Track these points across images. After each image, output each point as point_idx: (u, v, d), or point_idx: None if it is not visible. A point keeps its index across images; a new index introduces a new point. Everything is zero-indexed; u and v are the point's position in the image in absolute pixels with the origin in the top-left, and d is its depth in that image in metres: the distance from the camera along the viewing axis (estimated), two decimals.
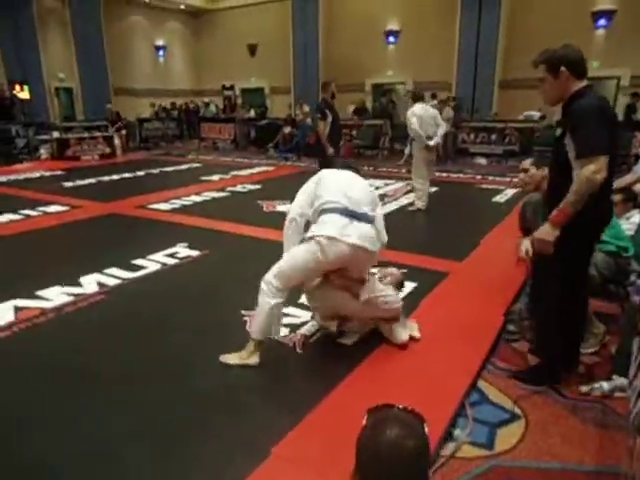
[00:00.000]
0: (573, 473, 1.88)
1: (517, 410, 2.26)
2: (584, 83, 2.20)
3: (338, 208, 2.45)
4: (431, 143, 6.02)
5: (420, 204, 6.26)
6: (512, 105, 12.61)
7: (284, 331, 2.97)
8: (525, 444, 2.04)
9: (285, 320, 3.08)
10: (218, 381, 2.49)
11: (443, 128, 6.25)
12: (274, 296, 2.50)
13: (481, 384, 2.47)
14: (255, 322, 2.59)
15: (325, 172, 2.75)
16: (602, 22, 12.03)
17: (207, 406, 2.29)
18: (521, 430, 2.13)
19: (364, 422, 1.00)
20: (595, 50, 11.62)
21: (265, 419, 2.18)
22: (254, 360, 2.57)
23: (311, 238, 2.44)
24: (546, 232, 2.17)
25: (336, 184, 2.58)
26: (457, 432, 2.12)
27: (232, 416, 2.21)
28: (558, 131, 2.24)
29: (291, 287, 2.59)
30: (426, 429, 1.00)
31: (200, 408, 2.28)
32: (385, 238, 2.66)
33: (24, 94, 11.74)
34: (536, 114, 10.77)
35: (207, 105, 16.49)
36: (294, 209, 2.66)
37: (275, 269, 2.53)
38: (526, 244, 3.07)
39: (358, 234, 2.40)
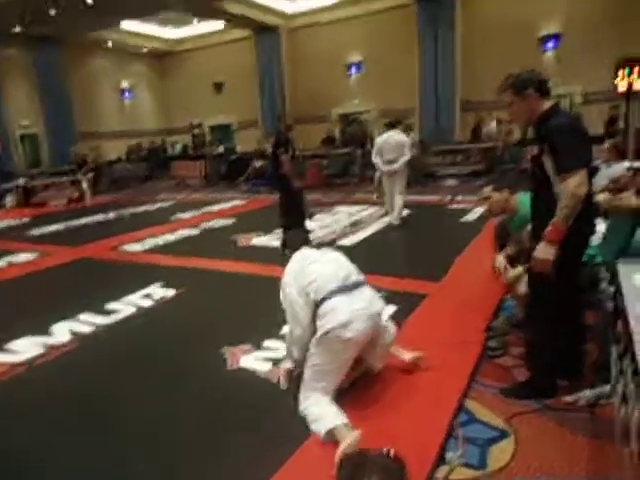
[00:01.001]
0: None
1: (506, 427, 2.25)
2: (551, 102, 2.30)
3: (335, 290, 2.35)
4: (384, 168, 6.52)
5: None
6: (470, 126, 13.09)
7: (267, 365, 2.92)
8: (516, 461, 2.02)
9: (267, 354, 3.04)
10: (203, 421, 2.42)
11: (405, 157, 6.54)
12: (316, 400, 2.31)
13: (468, 403, 2.46)
14: (318, 427, 2.21)
15: (298, 261, 2.59)
16: (550, 45, 12.71)
17: (191, 448, 2.20)
18: (512, 447, 2.11)
19: (338, 471, 0.91)
20: (546, 71, 12.20)
21: (249, 460, 2.11)
22: (353, 435, 2.01)
23: (326, 334, 2.26)
24: (545, 251, 2.19)
25: (322, 269, 2.46)
26: (449, 455, 2.09)
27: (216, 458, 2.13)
28: (534, 149, 2.30)
29: (332, 388, 2.36)
30: (406, 473, 0.94)
31: (184, 450, 2.19)
32: None
33: None
34: (493, 125, 11.13)
35: (173, 145, 16.56)
36: (301, 323, 2.44)
37: (304, 390, 2.37)
38: (500, 260, 3.13)
39: (367, 301, 2.38)
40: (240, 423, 2.41)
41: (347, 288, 2.38)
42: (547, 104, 2.30)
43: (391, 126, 6.58)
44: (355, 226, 7.03)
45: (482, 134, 11.78)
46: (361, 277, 2.51)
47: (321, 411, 2.23)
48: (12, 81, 15.20)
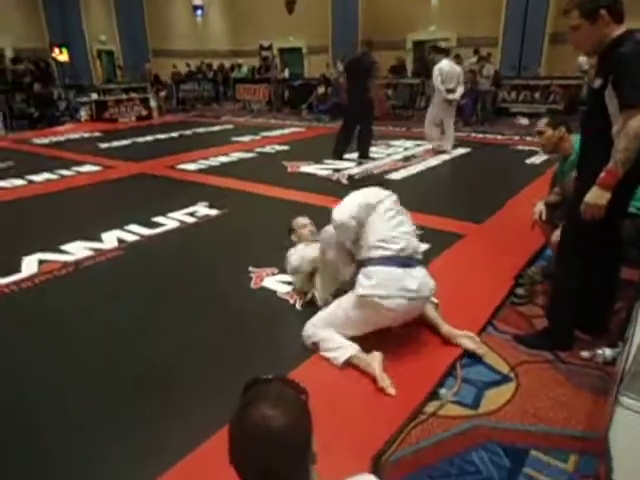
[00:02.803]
0: (556, 437, 1.82)
1: (510, 373, 2.20)
2: (624, 28, 1.97)
3: (391, 258, 2.19)
4: (450, 97, 6.66)
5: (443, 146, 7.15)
6: (562, 62, 11.77)
7: (287, 288, 3.00)
8: (511, 406, 1.99)
9: (289, 278, 3.11)
10: (219, 328, 2.57)
11: (461, 89, 6.96)
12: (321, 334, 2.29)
13: None
14: (336, 355, 2.23)
15: (371, 199, 2.34)
16: None
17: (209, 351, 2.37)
18: (510, 392, 2.08)
19: (241, 395, 0.88)
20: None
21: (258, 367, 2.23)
22: (377, 358, 2.15)
23: (363, 297, 2.19)
24: (598, 196, 1.99)
25: (386, 222, 2.27)
26: (443, 391, 2.10)
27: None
28: (597, 82, 2.01)
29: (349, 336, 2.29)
30: (304, 400, 0.89)
31: (198, 355, 2.36)
32: None
33: (63, 57, 12.00)
34: (584, 60, 9.98)
35: (239, 67, 16.36)
36: (344, 213, 2.30)
37: (320, 321, 2.33)
38: (540, 207, 2.93)
39: (417, 284, 2.18)
40: (254, 333, 2.55)
41: (404, 262, 2.20)
42: (620, 30, 1.96)
43: (446, 53, 6.33)
44: (408, 160, 6.78)
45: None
46: (419, 255, 2.33)
47: (337, 342, 2.24)
48: None
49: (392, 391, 2.02)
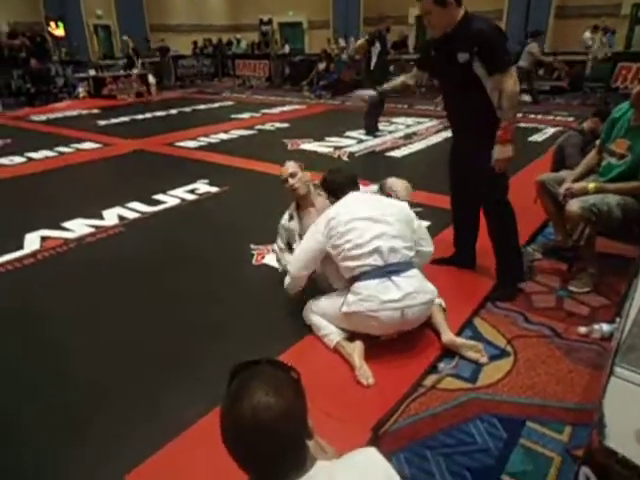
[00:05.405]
0: (552, 409, 1.86)
1: (507, 347, 2.24)
2: (462, 11, 2.34)
3: (371, 271, 2.07)
4: None
5: None
6: (569, 37, 11.58)
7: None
8: (509, 380, 2.03)
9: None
10: (217, 306, 2.60)
11: None
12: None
13: (476, 321, 2.45)
14: (327, 340, 2.23)
15: (337, 212, 2.18)
16: None
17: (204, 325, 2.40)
18: (508, 366, 2.11)
19: (229, 382, 0.86)
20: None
21: (249, 346, 2.26)
22: (357, 349, 2.13)
23: (347, 314, 2.12)
24: (503, 151, 2.37)
25: (350, 236, 2.10)
26: (442, 365, 2.13)
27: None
28: (463, 57, 2.30)
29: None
30: (296, 378, 0.88)
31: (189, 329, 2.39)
32: (430, 248, 2.40)
33: (59, 31, 11.78)
34: (588, 36, 9.84)
35: (238, 41, 16.10)
36: (295, 263, 2.28)
37: (318, 309, 2.29)
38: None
39: (404, 292, 2.04)
40: (256, 310, 2.58)
41: (387, 270, 2.06)
42: (461, 11, 2.33)
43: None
44: (409, 138, 6.74)
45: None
46: (409, 252, 2.16)
47: (325, 329, 2.25)
48: None
49: (371, 381, 1.97)
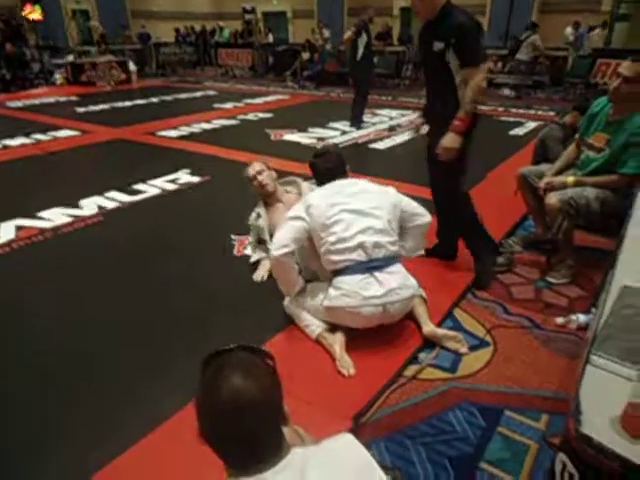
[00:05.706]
0: (530, 397, 1.89)
1: (487, 338, 2.26)
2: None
3: (354, 266, 2.04)
4: None
5: None
6: (551, 32, 11.67)
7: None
8: (488, 370, 2.06)
9: None
10: (199, 297, 2.57)
11: None
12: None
13: (457, 312, 2.47)
14: (309, 331, 2.22)
15: (317, 203, 2.11)
16: None
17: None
18: (487, 357, 2.14)
19: (202, 370, 0.86)
20: None
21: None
22: (337, 340, 2.12)
23: (329, 308, 2.12)
24: (453, 140, 2.39)
25: (345, 223, 2.06)
26: (422, 355, 2.15)
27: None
28: (438, 46, 2.33)
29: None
30: (272, 365, 0.89)
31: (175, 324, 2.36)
32: (427, 218, 2.35)
33: (36, 14, 11.41)
34: (570, 32, 9.94)
35: (221, 30, 15.87)
36: (278, 242, 2.10)
37: (301, 302, 2.26)
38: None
39: (386, 289, 2.02)
40: (236, 300, 2.55)
41: (369, 265, 2.04)
42: (443, 0, 2.36)
43: None
44: (393, 130, 6.74)
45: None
46: (394, 247, 2.11)
47: (305, 320, 2.23)
48: None
49: (352, 371, 1.96)
